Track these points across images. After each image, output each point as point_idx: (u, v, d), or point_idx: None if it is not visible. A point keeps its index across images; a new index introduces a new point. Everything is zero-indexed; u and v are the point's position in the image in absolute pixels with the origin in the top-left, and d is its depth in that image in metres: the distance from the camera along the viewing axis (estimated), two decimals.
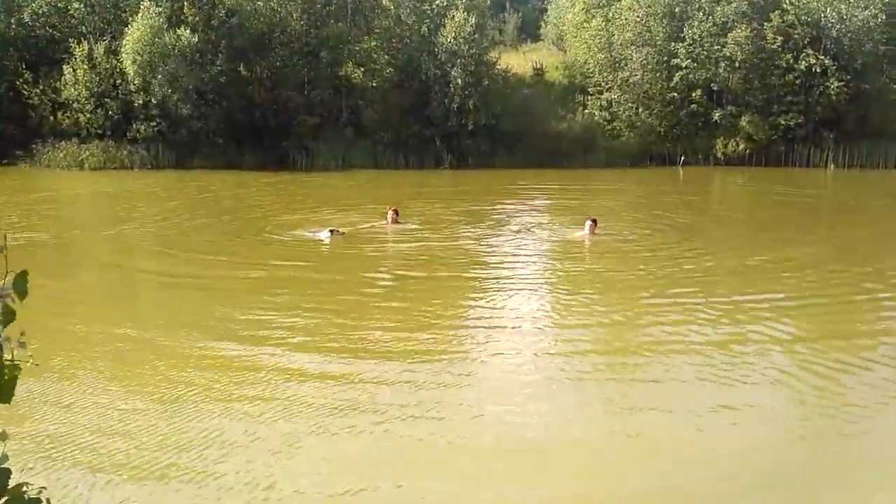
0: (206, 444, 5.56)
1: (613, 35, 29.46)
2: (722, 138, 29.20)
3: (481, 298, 9.49)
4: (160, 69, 25.69)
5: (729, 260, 12.25)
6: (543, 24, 41.11)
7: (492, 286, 10.10)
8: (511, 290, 9.91)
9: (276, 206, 18.37)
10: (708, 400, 6.30)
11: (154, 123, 26.15)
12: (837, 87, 27.46)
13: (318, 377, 6.83)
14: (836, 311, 9.39)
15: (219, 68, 27.09)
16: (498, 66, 30.02)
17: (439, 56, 28.21)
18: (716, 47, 28.37)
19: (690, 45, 28.55)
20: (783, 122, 28.39)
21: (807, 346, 7.82)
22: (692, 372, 6.87)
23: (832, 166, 28.52)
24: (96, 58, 26.34)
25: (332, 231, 13.34)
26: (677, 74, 28.65)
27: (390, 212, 14.51)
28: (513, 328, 8.23)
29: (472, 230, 14.53)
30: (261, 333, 8.17)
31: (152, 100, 26.03)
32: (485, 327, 8.34)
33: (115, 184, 23.34)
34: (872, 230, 16.27)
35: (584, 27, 31.23)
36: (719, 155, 29.26)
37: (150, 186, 22.74)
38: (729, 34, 28.20)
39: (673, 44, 28.82)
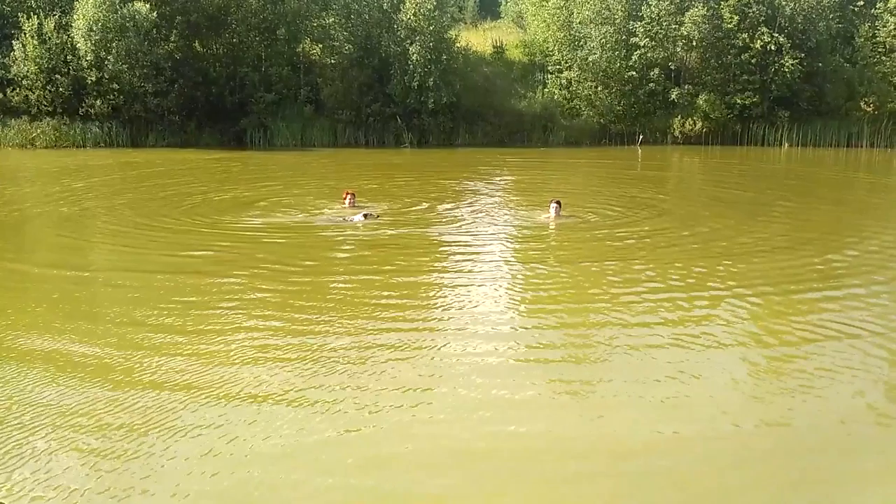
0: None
1: (573, 13, 29.52)
2: (679, 117, 29.54)
3: (444, 282, 9.32)
4: (114, 45, 25.14)
5: (694, 238, 12.29)
6: (503, 2, 41.04)
7: (454, 270, 9.95)
8: (473, 273, 9.70)
9: (219, 185, 17.90)
10: (672, 376, 6.41)
11: (109, 98, 25.59)
12: (792, 66, 27.89)
13: (269, 359, 6.77)
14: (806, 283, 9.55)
15: (174, 44, 26.59)
16: (458, 44, 29.91)
17: (399, 33, 28.05)
18: (673, 26, 28.63)
19: (648, 23, 28.76)
20: (739, 101, 28.80)
21: (770, 322, 7.99)
22: (658, 351, 6.95)
23: (787, 145, 29.03)
24: (46, 33, 25.64)
25: (365, 215, 12.94)
26: (636, 53, 28.84)
27: (347, 196, 14.09)
28: (474, 310, 8.16)
29: (434, 213, 14.17)
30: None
31: (105, 76, 25.46)
32: (445, 308, 8.31)
33: (63, 161, 22.76)
34: (832, 206, 16.63)
35: (543, 5, 31.27)
36: (676, 134, 29.62)
37: (95, 163, 22.28)
38: (686, 13, 28.47)
39: (631, 22, 29.01)
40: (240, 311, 8.03)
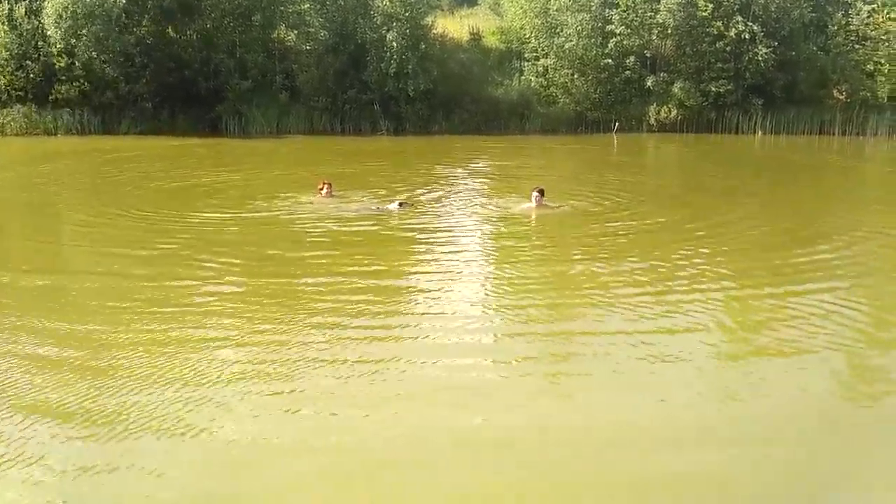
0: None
1: (549, 0, 29.48)
2: (655, 105, 29.66)
3: (423, 272, 9.32)
4: (84, 31, 24.79)
5: (673, 223, 12.41)
6: None
7: (434, 261, 9.92)
8: (453, 263, 9.71)
9: (188, 173, 17.72)
10: (653, 360, 6.51)
11: (78, 84, 25.24)
12: (766, 54, 28.07)
13: (250, 343, 6.79)
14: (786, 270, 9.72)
15: (146, 29, 26.26)
16: (434, 31, 29.79)
17: (375, 19, 27.87)
18: (649, 14, 28.71)
19: (624, 11, 28.81)
20: (713, 89, 28.95)
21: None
22: (633, 335, 7.05)
23: (760, 132, 29.26)
24: (17, 18, 25.21)
25: (401, 203, 12.81)
26: (612, 41, 28.88)
27: (325, 187, 13.79)
28: (455, 298, 8.21)
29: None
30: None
31: (75, 62, 25.12)
32: (425, 292, 8.36)
33: (32, 148, 22.50)
34: (810, 192, 16.87)
35: None
36: (652, 121, 29.73)
37: (64, 150, 22.05)
38: (661, 1, 28.54)
39: (607, 10, 29.04)
40: (210, 301, 8.02)
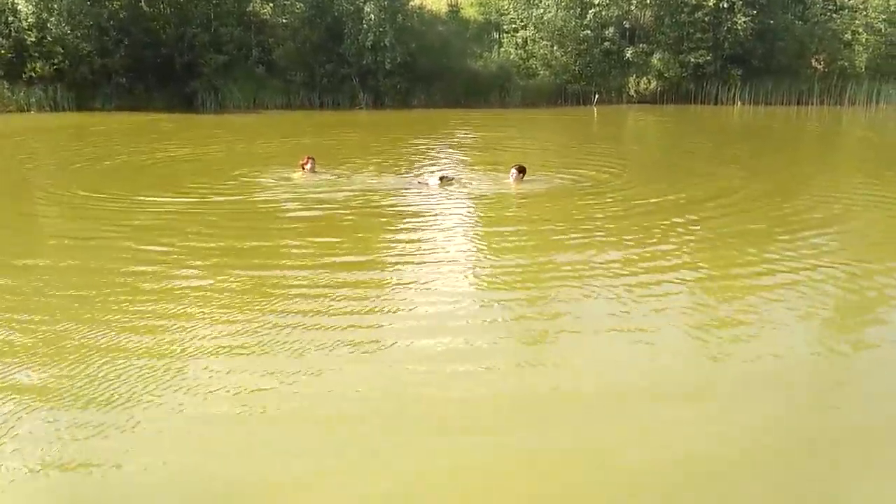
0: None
1: None
2: (634, 76, 29.64)
3: (400, 249, 9.23)
4: (56, 4, 24.34)
5: (653, 195, 12.35)
6: None
7: (416, 236, 9.80)
8: (434, 240, 9.63)
9: (159, 150, 17.36)
10: (634, 329, 6.58)
11: (53, 62, 24.82)
12: (744, 24, 28.08)
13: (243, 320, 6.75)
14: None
15: (118, 3, 25.79)
16: (412, 2, 29.50)
17: None
18: None
19: None
20: (693, 60, 28.95)
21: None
22: (612, 311, 7.07)
23: (739, 103, 29.34)
24: None
25: (441, 178, 12.46)
26: (590, 12, 28.76)
27: (309, 162, 13.34)
28: (435, 271, 8.16)
29: (391, 178, 13.63)
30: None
31: (47, 37, 24.67)
32: (405, 265, 8.32)
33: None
34: (789, 158, 16.98)
35: None
36: (632, 93, 29.75)
37: (38, 127, 21.72)
38: None
39: None
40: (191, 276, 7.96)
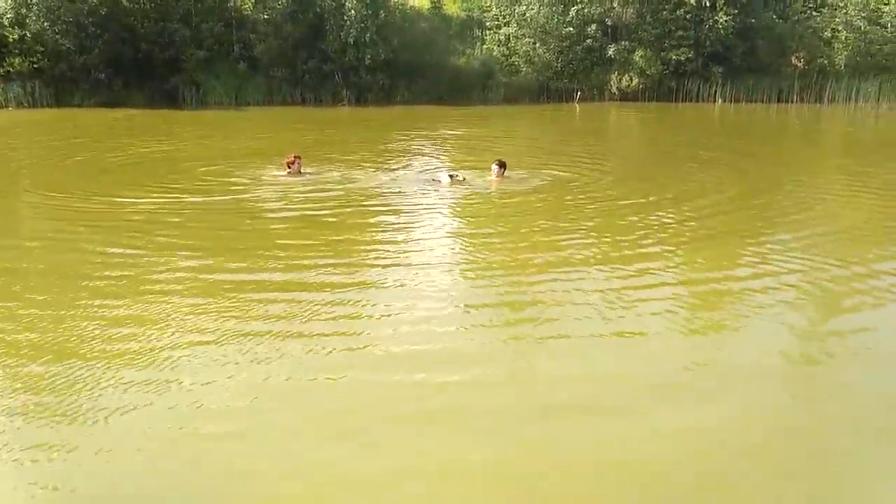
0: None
1: None
2: (616, 73, 29.75)
3: (382, 248, 9.18)
4: (35, 0, 24.09)
5: (641, 196, 12.31)
6: None
7: (393, 240, 9.74)
8: (417, 237, 9.56)
9: (138, 147, 17.13)
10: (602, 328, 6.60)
11: (32, 59, 24.56)
12: (725, 22, 28.27)
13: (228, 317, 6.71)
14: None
15: None
16: None
17: None
18: None
19: None
20: (674, 57, 29.09)
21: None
22: (594, 308, 7.08)
23: (720, 100, 29.52)
24: None
25: (451, 175, 12.41)
26: (573, 9, 28.82)
27: (295, 160, 13.02)
28: (420, 268, 8.14)
29: (373, 175, 13.57)
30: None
31: (27, 34, 24.41)
32: (388, 266, 8.28)
33: None
34: (771, 163, 17.04)
35: None
36: (614, 90, 29.87)
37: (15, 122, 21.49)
38: None
39: None
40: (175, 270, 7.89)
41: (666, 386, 5.64)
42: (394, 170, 14.30)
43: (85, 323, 6.46)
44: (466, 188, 12.40)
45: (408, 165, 14.84)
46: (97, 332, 6.28)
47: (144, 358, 5.81)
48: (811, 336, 6.62)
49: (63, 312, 6.72)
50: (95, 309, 6.82)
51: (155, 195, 11.71)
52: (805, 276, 7.98)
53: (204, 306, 6.91)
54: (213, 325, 6.45)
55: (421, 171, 13.93)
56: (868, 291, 7.62)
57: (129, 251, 8.65)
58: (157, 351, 5.93)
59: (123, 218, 10.40)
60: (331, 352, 5.98)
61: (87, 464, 4.52)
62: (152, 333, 6.26)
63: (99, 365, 5.68)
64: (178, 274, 7.85)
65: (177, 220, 10.38)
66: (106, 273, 7.84)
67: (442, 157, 16.38)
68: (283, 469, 4.50)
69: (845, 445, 4.91)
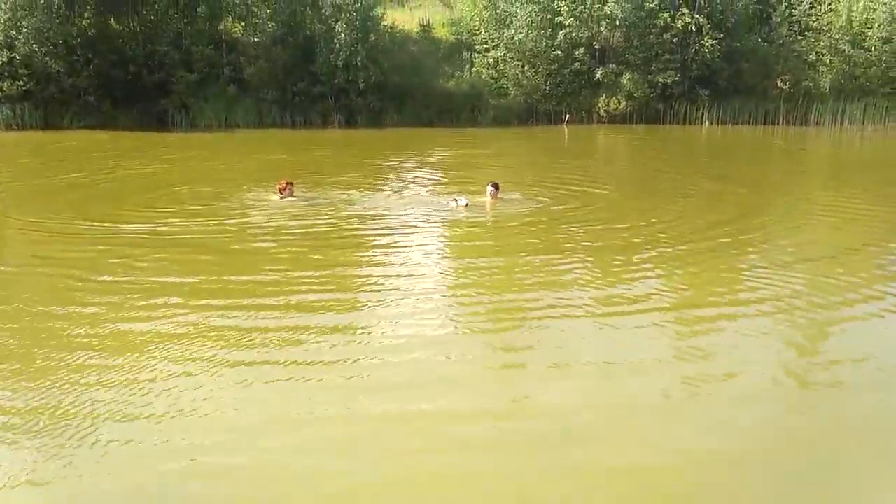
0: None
1: None
2: (604, 96, 29.96)
3: (374, 271, 9.14)
4: (25, 22, 24.11)
5: (625, 217, 12.42)
6: None
7: (386, 262, 9.71)
8: (409, 260, 9.54)
9: (123, 171, 17.16)
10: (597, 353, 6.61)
11: (20, 83, 24.55)
12: (711, 45, 28.60)
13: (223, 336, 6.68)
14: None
15: (87, 21, 25.57)
16: (384, 22, 29.61)
17: (324, 10, 27.60)
18: (597, 5, 28.93)
19: (573, 2, 28.96)
20: (661, 80, 29.35)
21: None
22: (590, 330, 7.11)
23: (707, 123, 29.77)
24: None
25: (467, 203, 12.54)
26: (561, 32, 29.05)
27: (287, 186, 13.05)
28: (413, 293, 8.16)
29: (366, 198, 13.61)
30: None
31: (17, 56, 24.41)
32: (380, 291, 8.29)
33: None
34: (758, 185, 17.17)
35: None
36: (602, 113, 30.06)
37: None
38: None
39: (556, 2, 29.18)
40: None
41: (659, 407, 5.67)
42: (387, 192, 14.34)
43: (64, 352, 6.44)
44: (462, 211, 12.46)
45: (402, 189, 14.87)
46: (78, 360, 6.25)
47: (127, 387, 5.79)
48: (803, 355, 6.71)
49: (42, 339, 6.69)
50: (74, 338, 6.79)
51: (142, 219, 11.69)
52: (796, 298, 8.10)
53: (191, 332, 6.90)
54: (199, 353, 6.42)
55: (431, 194, 14.01)
56: (858, 307, 7.82)
57: (115, 278, 8.64)
58: (135, 383, 5.90)
59: (108, 242, 10.37)
60: (323, 380, 5.97)
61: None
62: (134, 361, 6.24)
63: (73, 391, 5.67)
64: (163, 299, 7.82)
65: (163, 244, 10.34)
66: (89, 299, 7.82)
67: (431, 179, 16.41)
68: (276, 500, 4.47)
69: (840, 463, 4.98)
